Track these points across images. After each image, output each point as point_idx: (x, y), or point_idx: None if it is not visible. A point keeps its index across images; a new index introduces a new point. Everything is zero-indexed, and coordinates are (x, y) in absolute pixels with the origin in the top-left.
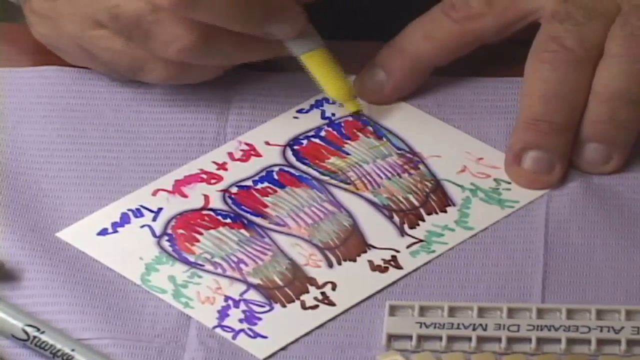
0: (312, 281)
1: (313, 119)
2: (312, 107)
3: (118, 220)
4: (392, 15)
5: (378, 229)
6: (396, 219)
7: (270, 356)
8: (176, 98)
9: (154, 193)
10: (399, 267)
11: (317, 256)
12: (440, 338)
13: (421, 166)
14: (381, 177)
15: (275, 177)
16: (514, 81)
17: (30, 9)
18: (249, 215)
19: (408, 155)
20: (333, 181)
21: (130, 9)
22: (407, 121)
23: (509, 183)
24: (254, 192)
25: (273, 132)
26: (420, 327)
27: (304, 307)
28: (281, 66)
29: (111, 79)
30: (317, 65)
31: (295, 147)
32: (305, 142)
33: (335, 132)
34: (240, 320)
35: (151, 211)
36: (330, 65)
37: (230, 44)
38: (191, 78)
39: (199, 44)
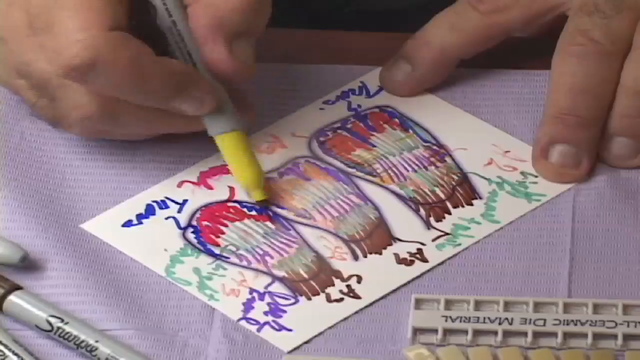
0: (338, 274)
1: (339, 111)
2: (338, 98)
3: (143, 211)
4: (418, 7)
5: (404, 222)
6: (422, 211)
7: (294, 349)
8: None
9: (179, 185)
10: (424, 260)
11: (343, 249)
12: (466, 332)
13: (447, 159)
14: (407, 170)
15: (301, 169)
16: (541, 74)
17: None
18: (274, 208)
19: (434, 147)
20: (359, 173)
21: (39, 69)
22: (433, 113)
23: (536, 176)
24: (280, 184)
25: (299, 124)
26: (446, 320)
27: (329, 300)
28: (306, 59)
29: None
30: (229, 147)
31: (321, 139)
32: (331, 133)
33: (361, 124)
34: (265, 313)
35: (176, 203)
36: (242, 148)
37: (136, 116)
38: (115, 136)
39: (101, 114)
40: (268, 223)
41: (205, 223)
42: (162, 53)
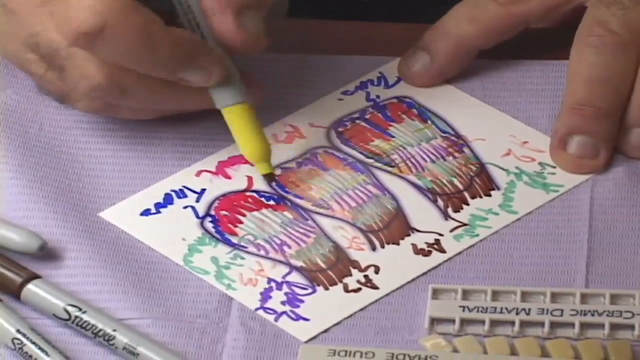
0: (355, 264)
1: (357, 101)
2: (356, 89)
3: (161, 200)
4: None
5: (422, 213)
6: (440, 202)
7: (312, 339)
8: None
9: (198, 174)
10: (442, 250)
11: (361, 239)
12: (483, 322)
13: (466, 149)
14: (425, 160)
15: (319, 159)
16: (560, 64)
17: None
18: (292, 197)
19: (452, 138)
20: (377, 164)
21: (47, 39)
22: (451, 104)
23: (554, 167)
24: (298, 174)
25: (317, 114)
26: (463, 310)
27: (346, 290)
28: (324, 49)
29: None
30: (235, 120)
31: (340, 129)
32: (349, 124)
33: (379, 115)
34: (283, 303)
35: (194, 192)
36: (249, 122)
37: (143, 87)
38: (119, 114)
39: (109, 84)
40: (286, 213)
41: (223, 212)
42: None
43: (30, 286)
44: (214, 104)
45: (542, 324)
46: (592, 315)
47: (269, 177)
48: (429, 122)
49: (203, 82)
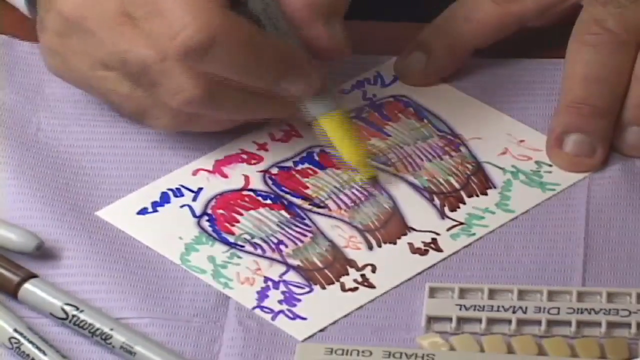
0: (352, 263)
1: (354, 100)
2: (353, 88)
3: (158, 199)
4: None
5: (418, 212)
6: (437, 201)
7: (309, 337)
8: None
9: (194, 173)
10: (439, 249)
11: (357, 238)
12: (480, 320)
13: (462, 148)
14: (422, 159)
15: (316, 158)
16: (556, 63)
17: (43, 43)
18: (289, 197)
19: (449, 137)
20: (374, 162)
21: (139, 55)
22: (448, 103)
23: (550, 166)
24: (295, 173)
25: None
26: (460, 309)
27: (343, 289)
28: None
29: None
30: (334, 128)
31: None
32: None
33: (376, 113)
34: (280, 302)
35: (191, 191)
36: (347, 128)
37: (239, 99)
38: (198, 128)
39: (205, 97)
40: (283, 212)
41: (220, 211)
42: None
43: (28, 285)
44: (306, 112)
45: (539, 323)
46: (589, 313)
47: (373, 181)
48: (426, 120)
49: (304, 91)
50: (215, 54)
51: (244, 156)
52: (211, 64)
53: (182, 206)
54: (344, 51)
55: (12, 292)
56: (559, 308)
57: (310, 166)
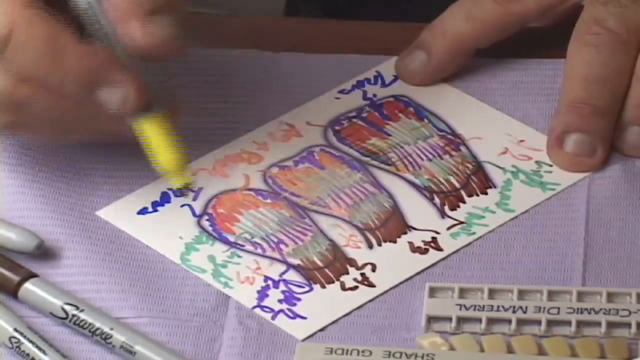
0: (352, 262)
1: (354, 100)
2: (353, 87)
3: (158, 199)
4: None
5: (418, 211)
6: (437, 200)
7: (309, 337)
8: (217, 80)
9: (195, 172)
10: (439, 248)
11: (357, 237)
12: (480, 320)
13: (462, 148)
14: (422, 159)
15: (316, 157)
16: (556, 63)
17: None
18: (289, 196)
19: (449, 136)
20: (374, 162)
21: None
22: (448, 102)
23: (551, 165)
24: (295, 172)
25: (314, 113)
26: (460, 309)
27: (343, 288)
28: (321, 48)
29: None
30: (151, 131)
31: (337, 128)
32: (346, 122)
33: (376, 113)
34: (280, 301)
35: (191, 190)
36: (164, 133)
37: (46, 105)
38: (24, 129)
39: (7, 94)
40: (283, 211)
41: (220, 211)
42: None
43: (28, 285)
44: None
45: (539, 322)
46: (589, 313)
47: (186, 189)
48: (426, 120)
49: (119, 105)
50: (12, 50)
51: (244, 155)
52: (8, 60)
53: (182, 206)
54: (165, 52)
55: (12, 291)
56: (559, 308)
57: (311, 165)
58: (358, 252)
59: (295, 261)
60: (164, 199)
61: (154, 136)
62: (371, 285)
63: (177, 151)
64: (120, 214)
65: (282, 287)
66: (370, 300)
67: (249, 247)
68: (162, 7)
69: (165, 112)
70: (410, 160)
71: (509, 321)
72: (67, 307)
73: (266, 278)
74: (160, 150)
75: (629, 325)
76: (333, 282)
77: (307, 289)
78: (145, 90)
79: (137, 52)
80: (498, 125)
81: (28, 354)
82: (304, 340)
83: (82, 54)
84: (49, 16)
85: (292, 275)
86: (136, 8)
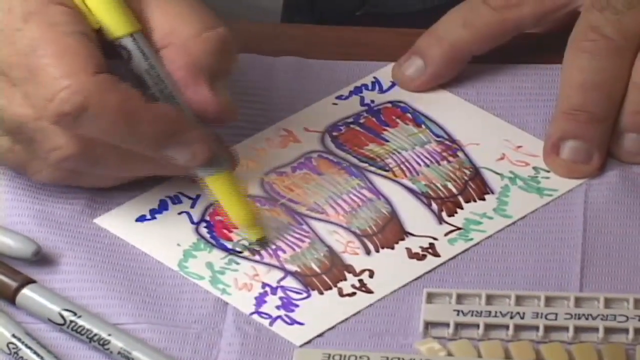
0: (350, 268)
1: (352, 106)
2: (351, 93)
3: (156, 207)
4: (428, 10)
5: (416, 217)
6: (434, 206)
7: (306, 343)
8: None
9: (192, 180)
10: (436, 254)
11: (355, 243)
12: (477, 326)
13: (460, 154)
14: (420, 165)
15: (314, 163)
16: (554, 69)
17: None
18: (287, 202)
19: (447, 142)
20: (371, 168)
21: (14, 114)
22: (446, 108)
23: (548, 172)
24: (292, 178)
25: (312, 119)
26: (458, 314)
27: (341, 294)
28: (319, 54)
29: None
30: (221, 188)
31: (334, 134)
32: (344, 128)
33: (374, 119)
34: (277, 307)
35: (189, 198)
36: (234, 188)
37: (119, 157)
38: (83, 182)
39: (81, 155)
40: (280, 217)
41: (218, 218)
42: (145, 99)
43: (25, 291)
44: (194, 172)
45: (536, 328)
46: (587, 319)
47: (262, 243)
48: (423, 126)
49: (189, 161)
50: (87, 119)
51: (242, 162)
52: (84, 128)
53: (180, 213)
54: (231, 114)
55: (10, 297)
56: (556, 314)
57: (308, 171)
58: (356, 258)
59: (293, 268)
60: (162, 206)
61: (224, 193)
62: (369, 291)
63: (248, 205)
64: (119, 221)
65: (279, 293)
66: (368, 306)
67: (246, 253)
68: (220, 72)
69: (230, 168)
70: (408, 166)
71: (507, 327)
72: (65, 313)
73: (264, 284)
74: (233, 206)
75: (626, 331)
76: (331, 288)
77: (304, 295)
78: (211, 146)
79: (205, 115)
80: (495, 131)
81: None
82: (301, 346)
83: (154, 117)
84: (118, 80)
85: (289, 282)
86: (201, 72)
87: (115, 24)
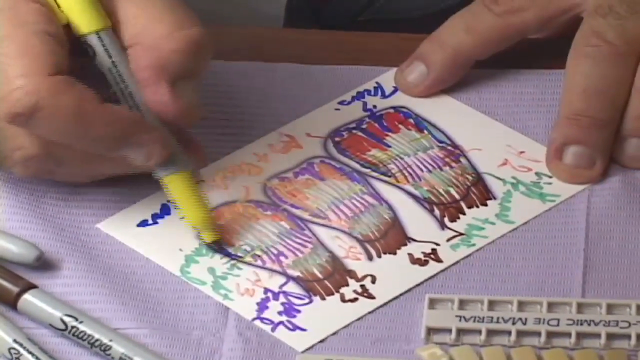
0: (352, 274)
1: (354, 111)
2: (353, 99)
3: (158, 211)
4: (431, 16)
5: (418, 222)
6: (437, 212)
7: (308, 349)
8: (217, 91)
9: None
10: (439, 260)
11: (357, 249)
12: (479, 332)
13: (462, 159)
14: (422, 170)
15: (316, 168)
16: (556, 74)
17: None
18: (289, 207)
19: (449, 148)
20: (374, 173)
21: None
22: (448, 114)
23: (551, 177)
24: (295, 183)
25: (314, 124)
26: (460, 320)
27: (343, 299)
28: (321, 59)
29: None
30: (177, 188)
31: (336, 139)
32: (346, 134)
33: (376, 124)
34: (279, 313)
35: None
36: (191, 188)
37: (79, 158)
38: (57, 178)
39: (43, 155)
40: (283, 223)
41: (220, 223)
42: (107, 96)
43: (27, 296)
44: (153, 171)
45: (538, 334)
46: (589, 324)
47: (216, 244)
48: (426, 132)
49: (144, 161)
50: (41, 119)
51: (244, 167)
52: (38, 129)
53: (182, 218)
54: (190, 116)
55: (12, 302)
56: (558, 319)
57: (310, 177)
58: (358, 263)
59: (295, 273)
60: (164, 211)
61: (180, 193)
62: (371, 297)
63: (205, 207)
64: (120, 226)
65: (281, 299)
66: (370, 312)
67: (248, 259)
68: (187, 72)
69: (189, 169)
70: (410, 171)
71: (509, 333)
72: (66, 319)
73: (266, 290)
74: (188, 207)
75: (628, 336)
76: (333, 293)
77: (306, 300)
78: (168, 146)
79: (162, 115)
80: (498, 137)
81: None
82: (303, 352)
83: (108, 119)
84: (74, 81)
85: (291, 287)
86: (163, 72)
87: (81, 21)
